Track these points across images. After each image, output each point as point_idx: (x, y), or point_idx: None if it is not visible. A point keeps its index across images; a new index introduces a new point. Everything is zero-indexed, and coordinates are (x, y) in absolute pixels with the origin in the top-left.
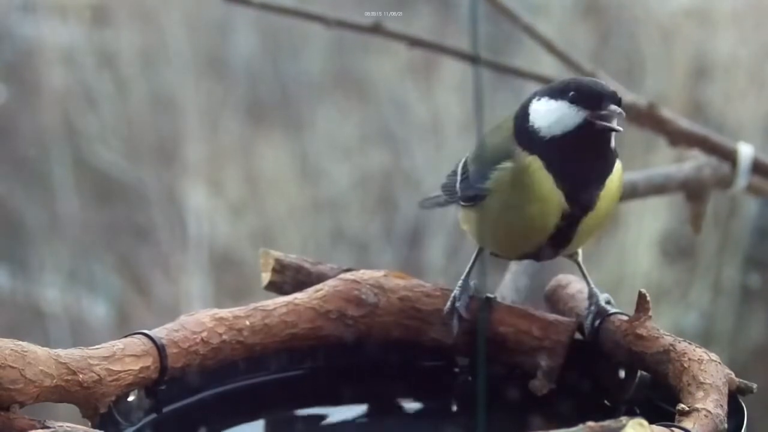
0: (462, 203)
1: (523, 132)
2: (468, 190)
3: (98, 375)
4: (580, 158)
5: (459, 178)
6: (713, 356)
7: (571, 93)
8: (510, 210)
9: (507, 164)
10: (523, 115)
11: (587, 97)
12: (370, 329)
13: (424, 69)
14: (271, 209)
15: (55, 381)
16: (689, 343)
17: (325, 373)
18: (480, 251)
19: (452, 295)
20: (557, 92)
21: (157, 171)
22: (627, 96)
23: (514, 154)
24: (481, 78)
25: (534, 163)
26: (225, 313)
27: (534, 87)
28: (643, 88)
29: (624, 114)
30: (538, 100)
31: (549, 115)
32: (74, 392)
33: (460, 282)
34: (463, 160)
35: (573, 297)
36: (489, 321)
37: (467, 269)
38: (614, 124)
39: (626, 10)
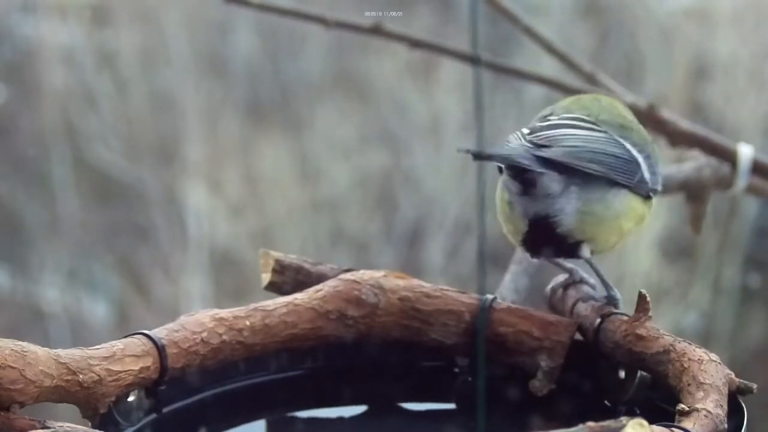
0: (651, 194)
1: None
2: (657, 186)
3: (98, 375)
4: None
5: (646, 167)
6: (713, 356)
7: None
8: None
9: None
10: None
11: None
12: (370, 329)
13: (423, 69)
14: (271, 209)
15: (55, 381)
16: (689, 343)
17: (325, 373)
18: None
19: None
20: None
21: (157, 171)
22: (627, 97)
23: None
24: (481, 79)
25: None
26: (225, 313)
27: (533, 88)
28: (643, 88)
29: None
30: None
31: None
32: (74, 392)
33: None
34: (628, 144)
35: (573, 297)
36: (489, 321)
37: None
38: None
39: (626, 10)
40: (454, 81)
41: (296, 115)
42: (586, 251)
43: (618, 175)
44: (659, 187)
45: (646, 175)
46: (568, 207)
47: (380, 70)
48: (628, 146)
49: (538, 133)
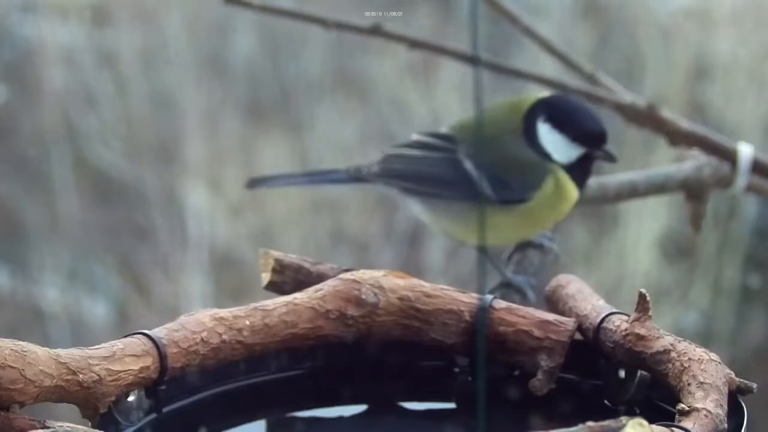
0: (500, 204)
1: (538, 149)
2: (511, 195)
3: (98, 375)
4: (582, 172)
5: (486, 183)
6: (713, 356)
7: (574, 133)
8: (548, 209)
9: (549, 175)
10: (532, 134)
11: (587, 137)
12: (370, 329)
13: (424, 69)
14: (271, 209)
15: (55, 381)
16: (689, 343)
17: (325, 373)
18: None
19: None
20: (560, 124)
21: (157, 171)
22: (626, 96)
23: (551, 168)
24: (480, 79)
25: (564, 175)
26: (225, 313)
27: (534, 88)
28: (643, 88)
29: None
30: (544, 123)
31: (554, 146)
32: (74, 392)
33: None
34: (468, 164)
35: (573, 297)
36: (489, 321)
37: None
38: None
39: (626, 10)
40: (454, 81)
41: (296, 115)
42: None
43: (430, 189)
44: (515, 197)
45: (486, 190)
46: (416, 207)
47: (380, 70)
48: (468, 167)
49: (387, 153)
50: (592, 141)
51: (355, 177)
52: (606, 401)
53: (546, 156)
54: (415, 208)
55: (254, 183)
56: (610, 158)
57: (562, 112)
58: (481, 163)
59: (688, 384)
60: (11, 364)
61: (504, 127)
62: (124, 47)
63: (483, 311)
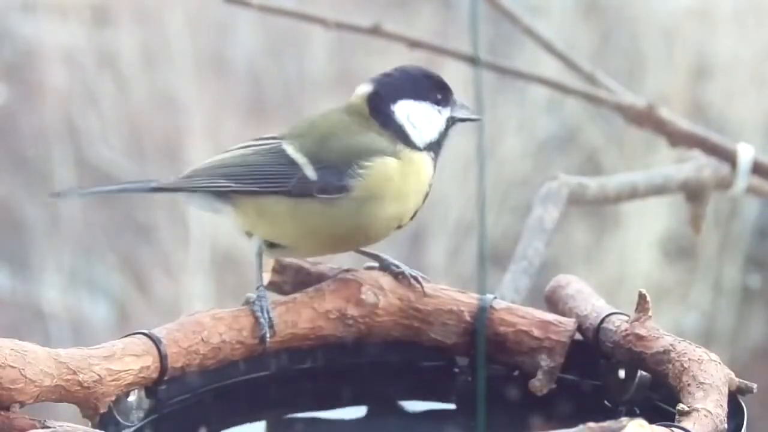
0: (319, 195)
1: (394, 131)
2: (333, 182)
3: (98, 374)
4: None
5: (310, 167)
6: (713, 356)
7: (437, 95)
8: (385, 203)
9: (387, 160)
10: (386, 116)
11: (446, 95)
12: (370, 329)
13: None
14: None
15: (55, 380)
16: (689, 343)
17: (325, 372)
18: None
19: (255, 310)
20: (417, 93)
21: (159, 170)
22: (627, 96)
23: (395, 151)
24: (481, 79)
25: (421, 158)
26: (225, 312)
27: (537, 88)
28: (644, 88)
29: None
30: (397, 102)
31: (420, 120)
32: (74, 392)
33: (258, 292)
34: (291, 149)
35: (573, 297)
36: (489, 321)
37: (259, 275)
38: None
39: (627, 10)
40: (456, 80)
41: (299, 114)
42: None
43: (248, 185)
44: (335, 182)
45: (310, 174)
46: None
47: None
48: (290, 151)
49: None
50: (449, 96)
51: (157, 187)
52: (606, 401)
53: (407, 136)
54: (226, 211)
55: (58, 195)
56: (470, 119)
57: (414, 81)
58: (308, 150)
59: (688, 384)
60: (11, 364)
61: (340, 120)
62: (125, 47)
63: (483, 311)
